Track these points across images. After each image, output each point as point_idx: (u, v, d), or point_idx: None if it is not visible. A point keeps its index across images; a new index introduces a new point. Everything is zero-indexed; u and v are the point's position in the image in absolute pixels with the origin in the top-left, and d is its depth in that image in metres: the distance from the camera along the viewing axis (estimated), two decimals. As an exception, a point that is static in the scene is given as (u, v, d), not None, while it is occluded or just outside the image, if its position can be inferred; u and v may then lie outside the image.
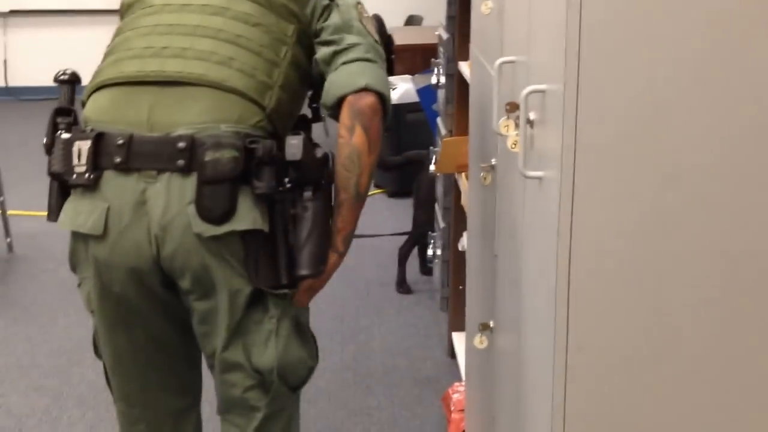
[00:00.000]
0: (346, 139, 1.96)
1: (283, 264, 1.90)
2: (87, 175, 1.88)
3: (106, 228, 1.88)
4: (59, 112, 2.01)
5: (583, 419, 1.42)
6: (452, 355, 3.42)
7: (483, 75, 2.25)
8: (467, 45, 3.21)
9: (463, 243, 3.25)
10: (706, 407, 1.40)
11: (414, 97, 5.30)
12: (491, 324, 2.10)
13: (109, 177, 1.87)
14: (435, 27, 6.51)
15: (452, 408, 2.89)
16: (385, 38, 6.61)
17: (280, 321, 1.96)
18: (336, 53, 1.98)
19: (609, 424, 1.43)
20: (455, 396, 2.92)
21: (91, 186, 1.88)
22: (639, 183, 1.33)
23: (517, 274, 1.72)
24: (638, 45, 1.29)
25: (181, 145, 1.83)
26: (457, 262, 3.38)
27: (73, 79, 2.09)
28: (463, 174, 2.98)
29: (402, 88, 5.35)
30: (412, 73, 5.62)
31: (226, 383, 2.02)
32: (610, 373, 1.41)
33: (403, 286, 4.07)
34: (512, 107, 1.71)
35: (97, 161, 1.87)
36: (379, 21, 6.44)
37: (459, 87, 3.22)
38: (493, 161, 2.03)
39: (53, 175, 2.00)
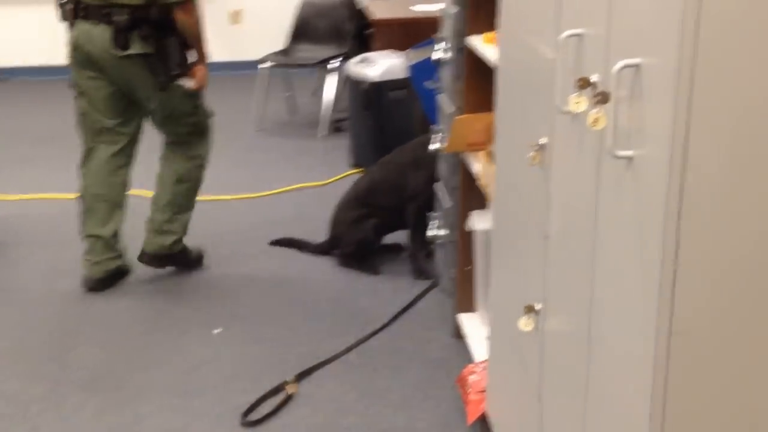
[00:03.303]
0: (179, 17, 3.63)
1: (172, 66, 3.67)
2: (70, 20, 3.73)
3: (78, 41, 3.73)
4: None
5: (683, 403, 1.38)
6: (458, 336, 3.38)
7: (520, 50, 2.19)
8: (478, 19, 3.16)
9: (473, 223, 3.20)
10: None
11: (395, 75, 5.22)
12: (537, 307, 2.05)
13: (78, 22, 3.69)
14: (411, 2, 6.47)
15: (469, 389, 2.84)
16: (356, 12, 6.53)
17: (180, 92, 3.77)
18: None
19: (710, 407, 1.39)
20: (472, 377, 2.87)
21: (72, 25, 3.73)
22: (757, 165, 1.29)
23: (588, 257, 1.67)
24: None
25: (105, 10, 3.59)
26: (464, 243, 3.32)
27: None
28: (482, 153, 2.92)
29: (383, 65, 5.26)
30: (390, 49, 5.53)
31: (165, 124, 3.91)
32: (713, 358, 1.37)
33: (423, 272, 3.97)
34: (584, 83, 1.65)
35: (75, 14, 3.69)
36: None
37: (469, 63, 3.15)
38: (543, 140, 1.97)
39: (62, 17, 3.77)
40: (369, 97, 5.24)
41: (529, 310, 2.07)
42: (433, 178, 3.84)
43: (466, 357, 3.23)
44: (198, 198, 4.07)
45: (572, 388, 1.80)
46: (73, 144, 3.99)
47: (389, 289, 3.86)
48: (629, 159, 1.45)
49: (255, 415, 2.96)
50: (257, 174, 5.34)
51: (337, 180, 5.24)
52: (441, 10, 3.43)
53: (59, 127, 5.50)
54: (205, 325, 3.60)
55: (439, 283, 3.75)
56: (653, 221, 1.35)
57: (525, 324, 2.07)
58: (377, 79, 5.21)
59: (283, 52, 6.68)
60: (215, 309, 3.73)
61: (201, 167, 4.01)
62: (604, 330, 1.60)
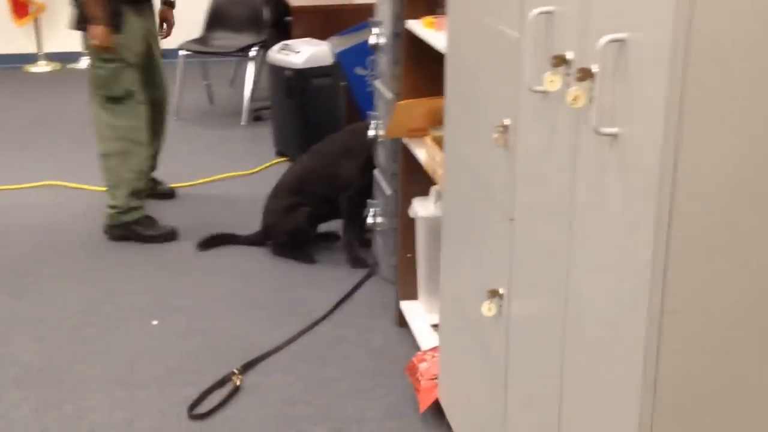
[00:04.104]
0: None
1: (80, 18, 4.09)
2: None
3: None
4: None
5: (676, 382, 1.38)
6: (401, 324, 3.35)
7: (475, 32, 2.17)
8: (415, 3, 3.13)
9: (415, 210, 3.18)
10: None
11: (320, 62, 5.16)
12: (501, 291, 2.03)
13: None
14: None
15: (420, 377, 2.82)
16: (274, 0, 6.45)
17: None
18: None
19: (702, 387, 1.39)
20: (422, 365, 2.85)
21: None
22: (755, 141, 1.28)
23: (563, 238, 1.65)
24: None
25: None
26: (405, 230, 3.30)
27: None
28: (427, 138, 2.90)
29: (306, 52, 5.19)
30: (310, 36, 5.47)
31: None
32: (707, 336, 1.37)
33: (358, 261, 3.94)
34: (559, 61, 1.64)
35: None
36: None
37: (407, 47, 3.12)
38: (507, 121, 1.95)
39: None
40: (292, 85, 5.17)
41: (493, 294, 2.05)
42: (366, 166, 3.81)
43: (410, 345, 3.22)
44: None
45: (545, 371, 1.79)
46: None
47: (327, 278, 3.81)
48: (614, 136, 1.43)
49: (202, 408, 2.90)
50: (181, 164, 5.23)
51: (264, 168, 5.17)
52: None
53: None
54: (142, 316, 3.52)
55: (378, 271, 3.73)
56: (643, 199, 1.34)
57: (488, 309, 2.06)
58: (301, 67, 5.15)
59: (200, 40, 6.56)
60: (151, 301, 3.65)
61: (122, 139, 4.19)
62: (584, 311, 1.59)
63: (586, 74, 1.50)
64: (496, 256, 2.08)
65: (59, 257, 4.06)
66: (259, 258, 4.02)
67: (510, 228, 1.97)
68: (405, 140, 3.20)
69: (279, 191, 4.10)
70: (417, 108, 3.09)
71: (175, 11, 4.68)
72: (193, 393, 2.97)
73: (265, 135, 5.67)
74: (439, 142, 2.76)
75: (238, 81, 6.85)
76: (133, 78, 4.19)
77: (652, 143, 1.31)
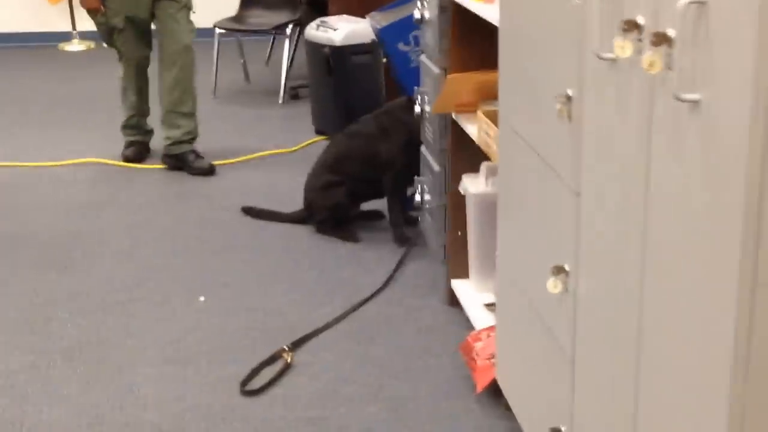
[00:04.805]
0: None
1: None
2: None
3: None
4: None
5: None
6: (452, 303, 3.31)
7: (533, 2, 2.11)
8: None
9: (465, 186, 3.12)
10: None
11: (358, 39, 5.11)
12: (567, 267, 1.98)
13: None
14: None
15: (476, 356, 2.78)
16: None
17: None
18: None
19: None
20: (478, 345, 2.80)
21: None
22: None
23: (637, 210, 1.60)
24: None
25: None
26: (455, 207, 3.24)
27: None
28: (480, 113, 2.84)
29: (345, 29, 5.14)
30: (346, 14, 5.41)
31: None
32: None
33: (404, 240, 3.87)
34: (630, 26, 1.58)
35: None
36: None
37: (455, 21, 3.06)
38: (570, 92, 1.89)
39: None
40: (332, 62, 5.12)
41: (558, 271, 2.00)
42: (407, 145, 3.75)
43: (461, 324, 3.17)
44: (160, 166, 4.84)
45: (619, 351, 1.74)
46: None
47: (371, 257, 3.77)
48: (695, 103, 1.38)
49: (253, 385, 2.87)
50: (220, 142, 5.20)
51: (303, 147, 5.14)
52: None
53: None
54: (188, 293, 3.50)
55: (418, 247, 3.68)
56: (730, 166, 1.28)
57: (554, 286, 2.00)
58: (340, 44, 5.09)
59: (235, 18, 6.52)
60: (194, 277, 3.63)
61: (120, 80, 4.94)
62: (663, 287, 1.53)
63: (661, 39, 1.44)
64: (560, 231, 2.02)
65: (103, 234, 4.06)
66: (303, 236, 3.98)
67: (576, 203, 1.92)
68: (454, 115, 3.14)
69: (318, 169, 4.06)
70: (466, 82, 3.03)
71: None
72: (243, 370, 2.93)
73: (303, 113, 5.63)
74: (492, 116, 2.71)
75: (273, 59, 6.81)
76: (121, 38, 4.75)
77: (739, 110, 1.25)
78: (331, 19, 5.34)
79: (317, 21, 5.34)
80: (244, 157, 4.98)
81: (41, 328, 3.25)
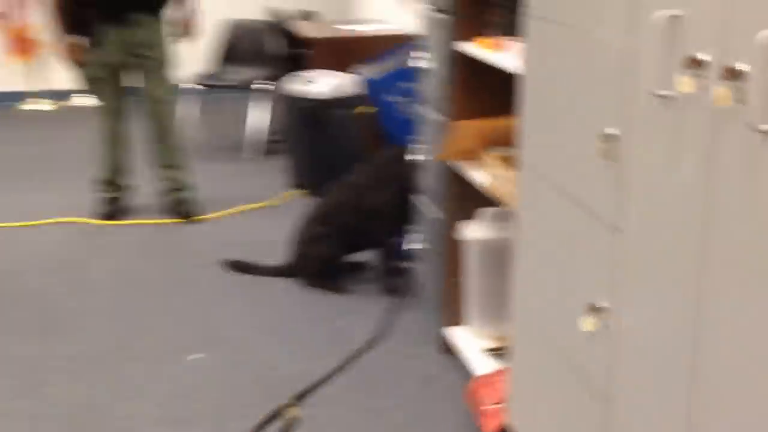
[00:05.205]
0: None
1: None
2: None
3: None
4: None
5: None
6: (446, 351, 3.28)
7: (564, 45, 2.13)
8: (467, 24, 3.09)
9: (464, 233, 3.12)
10: None
11: (343, 92, 5.12)
12: (603, 305, 1.97)
13: None
14: (334, 21, 6.40)
15: (482, 402, 2.75)
16: (285, 33, 6.42)
17: None
18: None
19: None
20: (483, 391, 2.77)
21: None
22: None
23: (694, 246, 1.60)
24: None
25: None
26: (451, 254, 3.23)
27: None
28: (491, 158, 2.84)
29: (329, 83, 5.16)
30: (326, 68, 5.44)
31: None
32: None
33: (394, 290, 3.86)
34: (693, 63, 1.60)
35: None
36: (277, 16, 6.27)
37: (460, 68, 3.09)
38: (611, 131, 1.90)
39: None
40: (315, 116, 5.13)
41: (593, 309, 1.99)
42: (400, 194, 3.76)
43: (458, 371, 3.15)
44: (142, 221, 4.76)
45: (669, 386, 1.72)
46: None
47: (362, 308, 3.74)
48: (770, 135, 1.39)
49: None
50: (198, 196, 5.15)
51: (284, 200, 5.11)
52: (422, 13, 3.35)
53: None
54: (180, 351, 3.42)
55: (417, 297, 3.66)
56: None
57: (589, 324, 1.99)
58: (325, 97, 5.11)
59: (212, 75, 6.51)
60: (186, 334, 3.55)
61: (98, 132, 4.86)
62: (723, 325, 1.52)
63: (731, 73, 1.46)
64: (594, 269, 2.02)
65: (83, 294, 3.95)
66: (291, 289, 3.93)
67: (613, 240, 1.91)
68: (454, 162, 3.15)
69: (309, 222, 4.04)
70: (471, 129, 3.05)
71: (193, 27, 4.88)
72: (246, 427, 2.86)
73: (277, 168, 5.62)
74: (506, 161, 2.71)
75: (245, 115, 6.79)
76: (98, 87, 4.73)
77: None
78: (313, 74, 5.37)
79: (299, 75, 5.36)
80: (227, 211, 4.93)
81: (34, 394, 3.13)
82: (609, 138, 1.92)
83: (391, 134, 4.14)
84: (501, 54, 2.80)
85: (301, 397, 3.03)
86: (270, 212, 4.96)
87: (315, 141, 5.19)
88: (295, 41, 6.15)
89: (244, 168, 5.88)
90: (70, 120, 4.93)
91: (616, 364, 1.96)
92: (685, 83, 1.60)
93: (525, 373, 2.49)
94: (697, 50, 1.59)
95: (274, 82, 6.20)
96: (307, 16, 6.94)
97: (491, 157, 2.84)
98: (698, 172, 1.60)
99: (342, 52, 5.63)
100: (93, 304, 3.84)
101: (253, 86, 6.27)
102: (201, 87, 6.27)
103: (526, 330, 2.46)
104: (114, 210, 4.89)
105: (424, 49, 3.34)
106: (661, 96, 1.69)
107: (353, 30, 6.14)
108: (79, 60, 4.65)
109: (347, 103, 5.10)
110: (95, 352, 3.42)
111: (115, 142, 4.86)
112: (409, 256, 3.59)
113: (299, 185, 5.33)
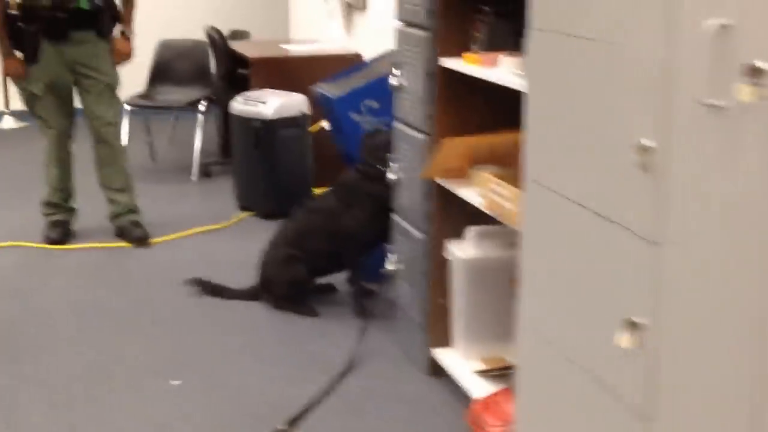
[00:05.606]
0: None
1: None
2: None
3: None
4: None
5: None
6: (434, 372, 3.22)
7: (587, 55, 2.10)
8: (450, 40, 3.06)
9: (452, 252, 3.07)
10: None
11: (289, 112, 5.04)
12: (641, 321, 1.94)
13: None
14: (281, 43, 6.30)
15: (486, 425, 2.70)
16: (225, 53, 6.30)
17: None
18: None
19: None
20: (485, 413, 2.72)
21: None
22: None
23: (754, 257, 1.58)
24: None
25: None
26: (437, 274, 3.18)
27: None
28: (489, 175, 2.79)
29: (274, 103, 5.07)
30: (268, 88, 5.34)
31: None
32: None
33: (364, 312, 3.77)
34: (752, 71, 1.59)
35: None
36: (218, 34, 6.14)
37: (442, 85, 3.05)
38: (648, 142, 1.87)
39: None
40: (261, 136, 5.03)
41: (630, 325, 1.96)
42: (375, 214, 3.69)
43: (447, 393, 3.11)
44: (94, 245, 4.65)
45: (723, 405, 1.70)
46: None
47: (334, 330, 3.66)
48: None
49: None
50: (145, 218, 5.00)
51: (234, 222, 5.00)
52: (395, 30, 3.31)
53: None
54: (154, 377, 3.29)
55: (391, 319, 3.59)
56: None
57: (627, 341, 1.96)
58: (270, 117, 5.02)
59: (144, 95, 6.36)
60: (159, 359, 3.43)
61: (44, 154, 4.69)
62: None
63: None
64: (629, 284, 1.98)
65: (44, 320, 3.79)
66: (261, 312, 3.84)
67: (651, 253, 1.88)
68: (440, 181, 3.10)
69: (276, 244, 3.94)
70: (458, 147, 3.00)
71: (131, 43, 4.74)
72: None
73: (219, 190, 5.53)
74: (504, 178, 2.68)
75: (180, 136, 6.66)
76: (41, 106, 4.56)
77: None
78: (256, 93, 5.28)
79: (243, 95, 5.26)
80: (177, 234, 4.79)
81: (11, 420, 2.99)
82: (646, 149, 1.89)
83: (352, 154, 4.06)
84: (492, 70, 2.77)
85: (294, 421, 2.93)
86: (221, 235, 4.85)
87: (262, 162, 5.09)
88: (233, 60, 6.04)
89: (183, 190, 5.75)
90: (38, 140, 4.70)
91: (656, 381, 1.93)
92: (744, 92, 1.58)
93: (537, 393, 2.44)
94: (755, 58, 1.58)
95: (211, 103, 6.11)
96: (240, 35, 6.83)
97: (484, 175, 2.79)
98: (758, 181, 1.58)
99: (282, 72, 5.55)
100: (57, 330, 3.69)
101: (186, 107, 6.16)
102: (132, 108, 6.11)
103: (537, 349, 2.41)
104: (63, 233, 4.71)
105: (398, 66, 3.29)
106: (711, 105, 1.67)
107: (292, 49, 6.07)
108: (21, 77, 4.50)
109: (295, 123, 5.03)
110: (68, 378, 3.28)
111: (62, 164, 4.69)
112: (381, 277, 3.52)
113: (245, 207, 5.22)
